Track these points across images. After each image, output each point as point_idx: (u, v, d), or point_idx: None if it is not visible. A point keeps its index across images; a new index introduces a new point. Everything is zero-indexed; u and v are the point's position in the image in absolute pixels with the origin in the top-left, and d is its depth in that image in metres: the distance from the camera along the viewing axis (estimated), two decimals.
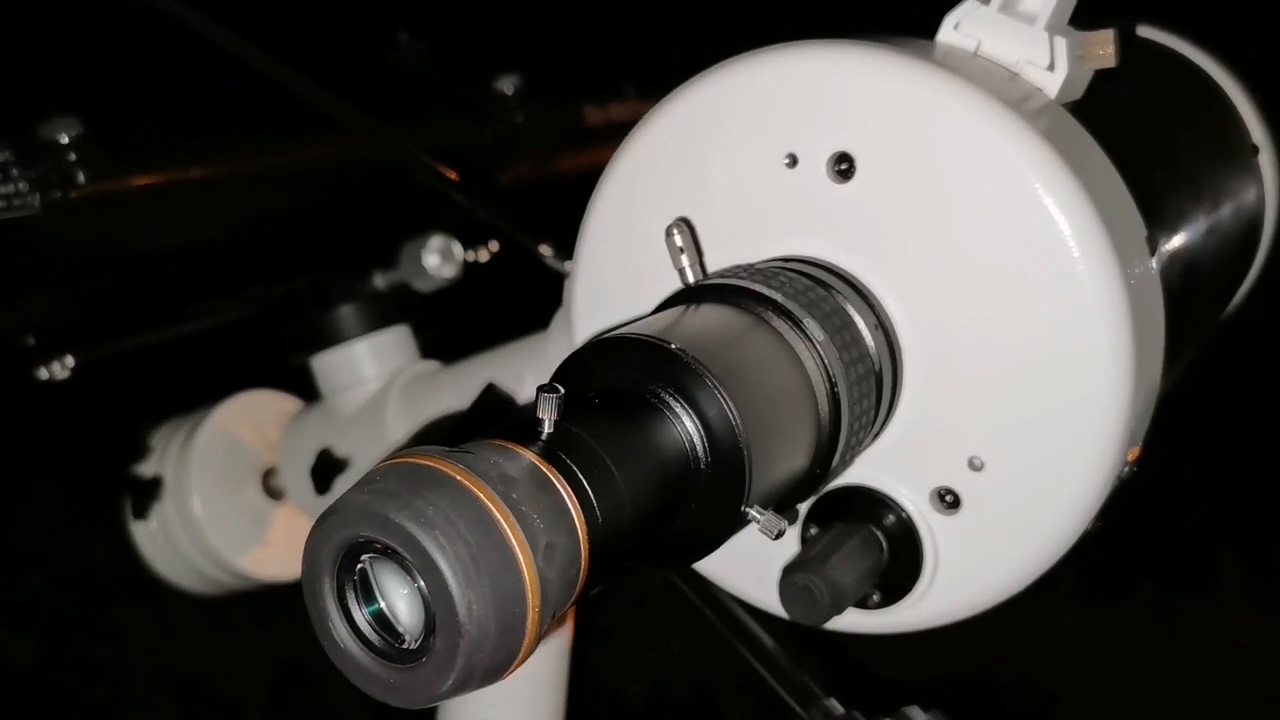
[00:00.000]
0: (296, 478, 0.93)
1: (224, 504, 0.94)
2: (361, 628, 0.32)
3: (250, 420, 0.97)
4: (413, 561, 0.30)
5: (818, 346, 0.43)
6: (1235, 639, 2.09)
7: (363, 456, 0.89)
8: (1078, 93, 0.51)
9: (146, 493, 0.94)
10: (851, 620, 0.51)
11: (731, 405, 0.38)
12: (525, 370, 0.76)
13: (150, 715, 1.99)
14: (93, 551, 2.03)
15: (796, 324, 0.43)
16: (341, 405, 0.91)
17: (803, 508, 0.50)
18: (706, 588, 0.54)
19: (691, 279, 0.46)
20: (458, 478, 0.31)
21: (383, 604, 0.32)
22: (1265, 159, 0.76)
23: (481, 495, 0.30)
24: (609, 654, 2.10)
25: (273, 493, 0.97)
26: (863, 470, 0.49)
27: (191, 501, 0.93)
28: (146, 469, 0.95)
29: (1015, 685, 2.06)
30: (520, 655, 0.31)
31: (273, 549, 0.96)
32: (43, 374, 0.73)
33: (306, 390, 0.97)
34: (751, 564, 0.52)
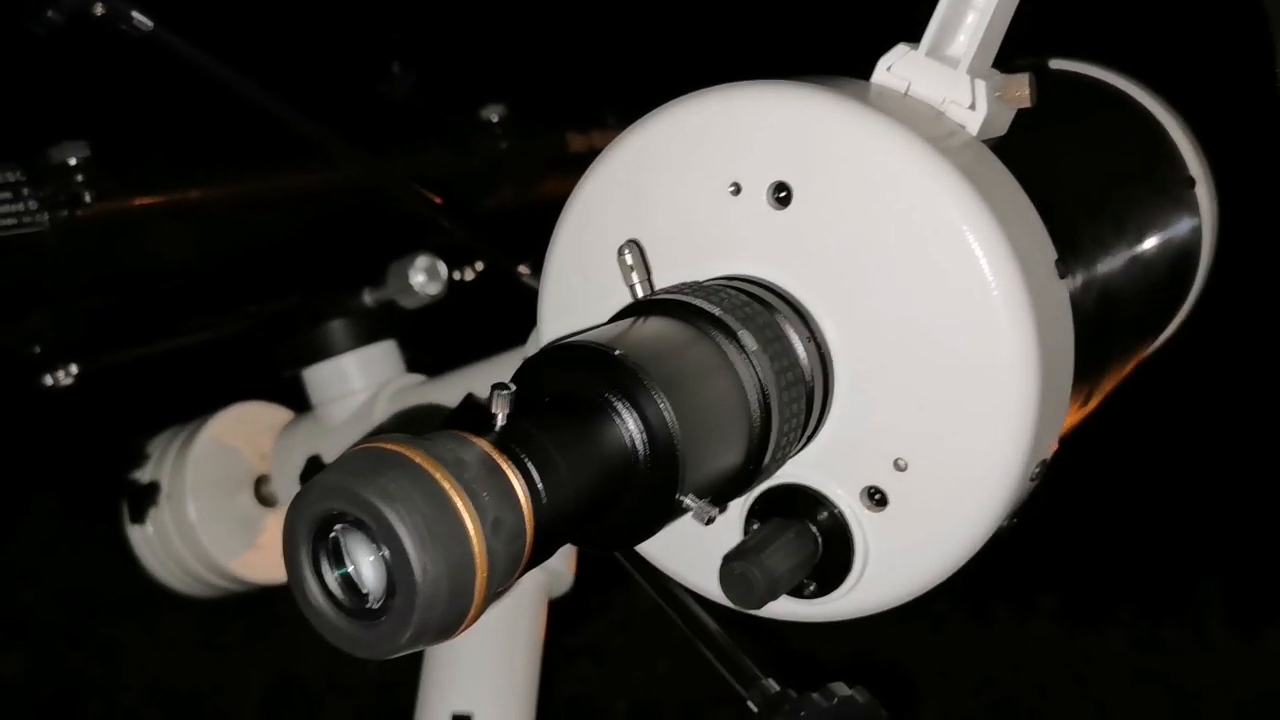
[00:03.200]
0: (287, 484, 0.98)
1: (218, 509, 0.99)
2: (332, 589, 0.37)
3: (244, 430, 1.02)
4: (376, 530, 0.35)
5: (750, 356, 0.48)
6: (1215, 667, 2.13)
7: None
8: (1000, 130, 0.56)
9: (143, 498, 0.98)
10: (791, 609, 0.56)
11: (668, 406, 0.43)
12: None
13: None
14: (87, 568, 2.07)
15: (732, 335, 0.48)
16: (330, 415, 0.96)
17: (745, 504, 0.55)
18: (659, 577, 0.59)
19: (640, 294, 0.51)
20: (417, 460, 0.36)
21: (350, 568, 0.37)
22: (1202, 191, 0.80)
23: (437, 475, 0.35)
24: (597, 672, 2.14)
25: (264, 500, 1.02)
26: (799, 470, 0.54)
27: (187, 507, 0.98)
28: (144, 475, 1.00)
29: (999, 705, 2.10)
30: (469, 616, 0.36)
31: (264, 553, 1.00)
32: (47, 381, 0.78)
33: (297, 403, 1.02)
34: (699, 555, 0.57)
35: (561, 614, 0.89)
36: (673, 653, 2.16)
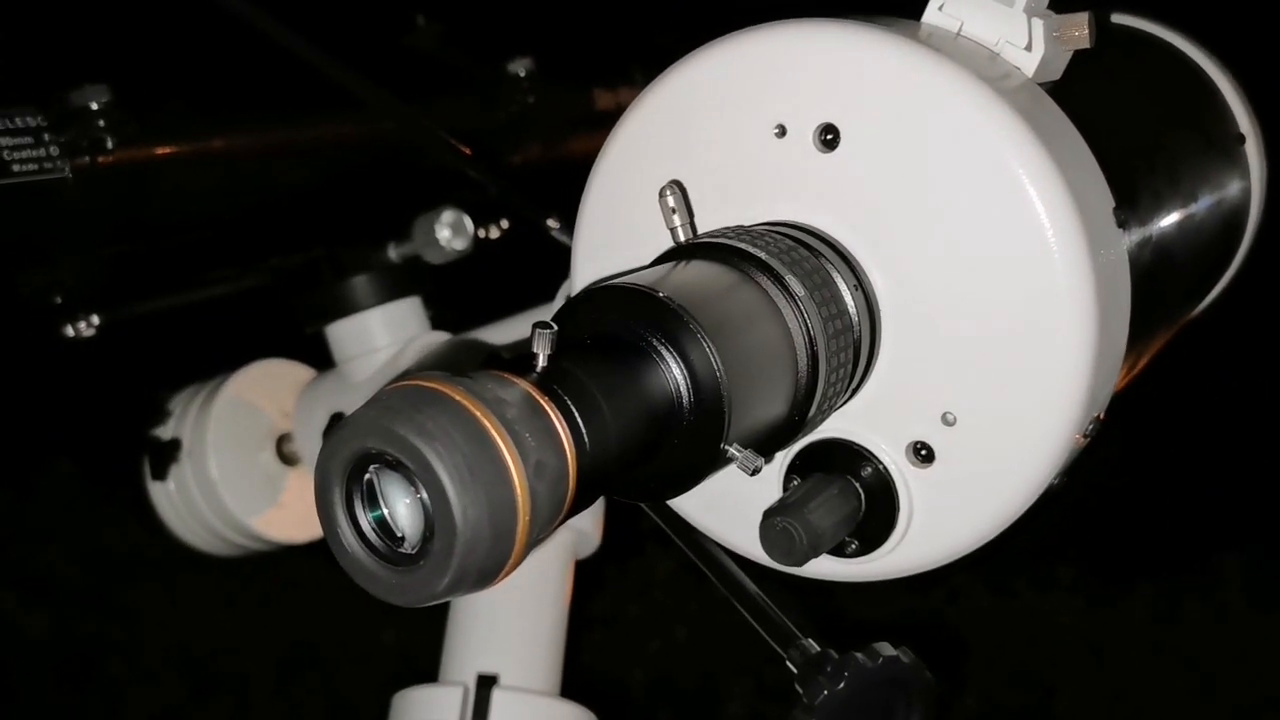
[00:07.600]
0: (309, 441, 0.97)
1: (239, 467, 0.98)
2: (366, 533, 0.35)
3: (266, 388, 1.01)
4: (414, 470, 0.33)
5: (798, 301, 0.46)
6: (1234, 640, 2.11)
7: None
8: (1056, 73, 0.54)
9: (165, 455, 0.97)
10: (832, 568, 0.54)
11: (714, 351, 0.41)
12: None
13: (160, 691, 2.03)
14: (107, 529, 2.07)
15: (778, 280, 0.46)
16: (354, 372, 0.94)
17: (785, 459, 0.53)
18: (695, 537, 0.58)
19: (682, 238, 0.49)
20: (457, 397, 0.34)
21: (385, 511, 0.35)
22: (1251, 148, 0.78)
23: (478, 413, 0.34)
24: (613, 641, 2.14)
25: (286, 458, 1.01)
26: (843, 424, 0.52)
27: (208, 464, 0.97)
28: (165, 432, 0.98)
29: (1015, 678, 2.09)
30: (511, 562, 0.34)
31: (285, 511, 0.99)
32: (69, 331, 0.76)
33: (321, 360, 1.01)
34: (735, 512, 0.55)
35: (578, 583, 0.87)
36: (690, 622, 2.15)
